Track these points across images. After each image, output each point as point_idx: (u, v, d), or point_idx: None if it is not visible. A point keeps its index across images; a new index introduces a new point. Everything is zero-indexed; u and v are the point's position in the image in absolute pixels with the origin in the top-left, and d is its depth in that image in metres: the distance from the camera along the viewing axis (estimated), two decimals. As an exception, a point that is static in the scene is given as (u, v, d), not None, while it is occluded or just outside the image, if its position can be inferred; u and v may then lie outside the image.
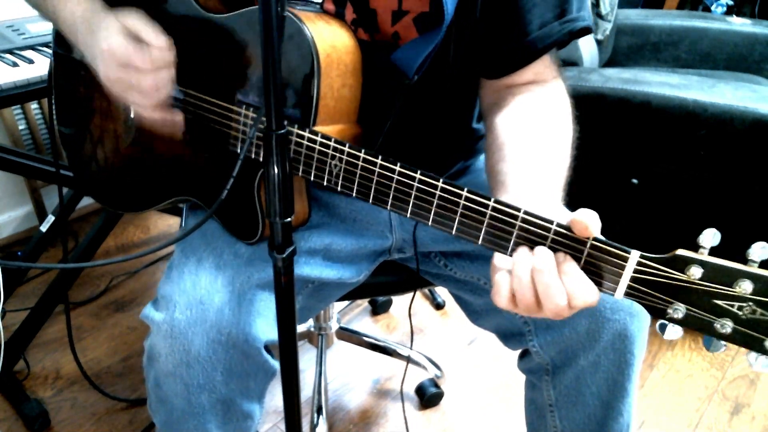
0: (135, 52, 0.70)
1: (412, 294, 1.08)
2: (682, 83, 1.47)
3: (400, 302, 1.83)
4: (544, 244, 0.59)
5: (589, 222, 0.56)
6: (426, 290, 1.86)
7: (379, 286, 1.06)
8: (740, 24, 2.03)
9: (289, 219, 0.63)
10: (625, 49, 2.11)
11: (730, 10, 2.73)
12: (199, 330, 0.74)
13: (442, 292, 1.84)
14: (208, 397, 0.77)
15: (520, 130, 0.76)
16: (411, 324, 1.10)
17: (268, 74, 0.56)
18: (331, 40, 0.72)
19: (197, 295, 0.75)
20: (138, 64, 0.70)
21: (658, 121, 1.46)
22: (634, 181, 1.58)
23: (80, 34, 0.76)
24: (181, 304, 0.75)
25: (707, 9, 2.78)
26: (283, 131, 0.59)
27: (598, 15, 1.86)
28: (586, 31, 0.79)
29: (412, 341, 1.34)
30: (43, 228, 1.57)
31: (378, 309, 1.80)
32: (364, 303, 1.83)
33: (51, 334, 1.63)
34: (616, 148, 1.57)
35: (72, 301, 1.76)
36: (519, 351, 0.95)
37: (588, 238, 0.57)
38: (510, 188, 0.69)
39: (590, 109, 1.53)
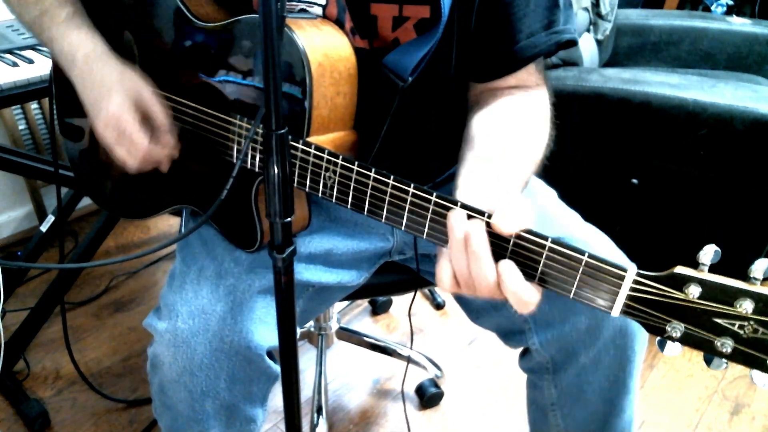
0: (136, 131, 0.73)
1: (412, 294, 1.08)
2: (682, 83, 1.47)
3: (400, 302, 1.83)
4: (538, 260, 0.58)
5: (500, 223, 0.56)
6: (426, 290, 1.87)
7: (380, 287, 1.06)
8: (740, 24, 2.02)
9: (289, 219, 0.63)
10: (625, 49, 2.11)
11: (730, 10, 2.73)
12: (201, 339, 0.75)
13: (442, 292, 1.84)
14: (212, 403, 0.78)
15: (490, 126, 0.76)
16: (411, 324, 1.10)
17: (268, 73, 0.55)
18: (323, 48, 0.70)
19: (199, 304, 0.76)
20: (134, 140, 0.73)
21: (658, 121, 1.46)
22: (634, 181, 1.58)
23: (76, 75, 0.77)
24: (184, 314, 0.75)
25: (707, 9, 2.78)
26: (283, 131, 0.59)
27: (598, 15, 1.86)
28: (571, 43, 0.80)
29: (412, 341, 1.34)
30: (43, 228, 1.57)
31: (378, 309, 1.80)
32: (364, 303, 1.83)
33: (51, 334, 1.62)
34: (616, 148, 1.58)
35: (72, 301, 1.76)
36: (519, 350, 0.95)
37: (510, 236, 0.57)
38: (463, 171, 0.70)
39: (590, 109, 1.53)
